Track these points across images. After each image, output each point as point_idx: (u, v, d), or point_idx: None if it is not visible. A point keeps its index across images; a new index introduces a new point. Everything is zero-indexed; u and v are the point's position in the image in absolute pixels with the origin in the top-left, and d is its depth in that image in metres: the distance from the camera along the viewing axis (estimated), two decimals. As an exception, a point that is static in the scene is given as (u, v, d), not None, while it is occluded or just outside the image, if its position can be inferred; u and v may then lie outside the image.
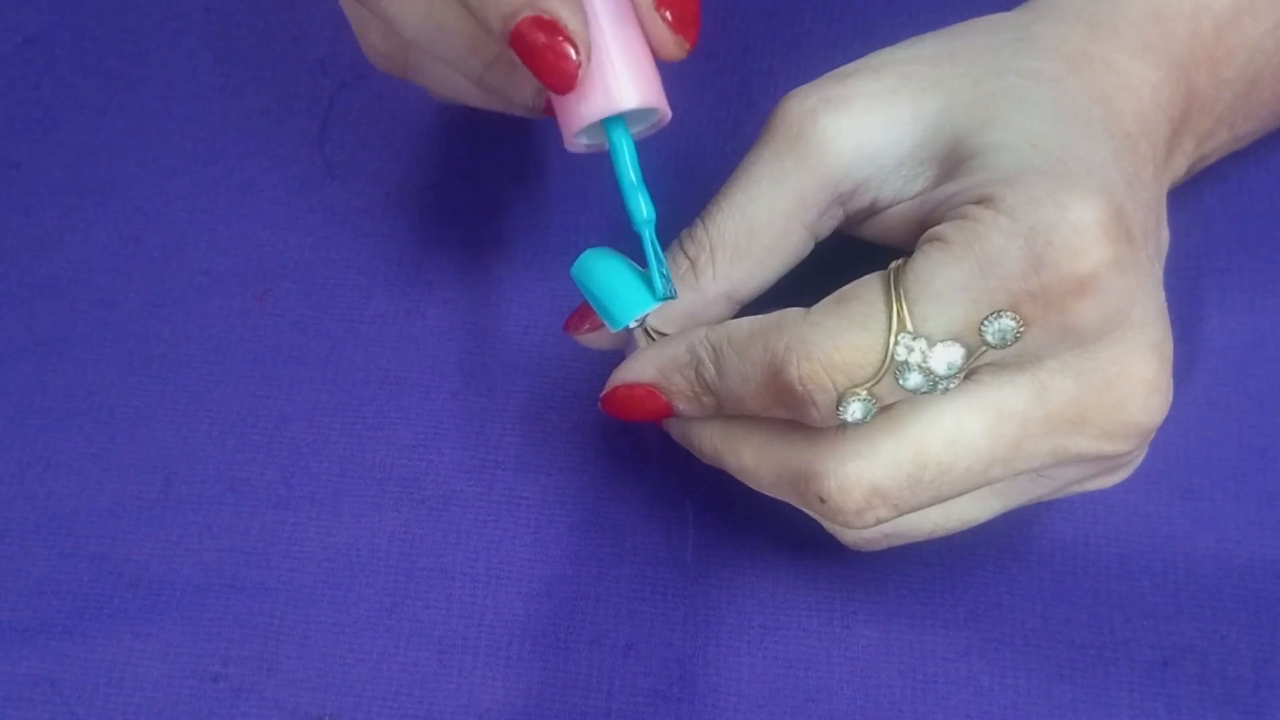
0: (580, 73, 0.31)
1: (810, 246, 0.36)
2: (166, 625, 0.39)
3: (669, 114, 0.35)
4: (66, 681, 0.38)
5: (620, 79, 0.33)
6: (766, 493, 0.34)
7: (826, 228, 0.36)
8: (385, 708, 0.38)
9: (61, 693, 0.38)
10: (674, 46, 0.33)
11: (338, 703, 0.38)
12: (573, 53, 0.31)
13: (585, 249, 0.35)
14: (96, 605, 0.39)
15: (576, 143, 0.35)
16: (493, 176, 0.46)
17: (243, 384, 0.43)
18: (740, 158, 0.36)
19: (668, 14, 0.32)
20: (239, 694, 0.38)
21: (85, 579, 0.40)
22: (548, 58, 0.31)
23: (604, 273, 0.35)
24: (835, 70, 0.35)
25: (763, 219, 0.35)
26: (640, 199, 0.34)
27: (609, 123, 0.34)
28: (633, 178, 0.34)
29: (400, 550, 0.40)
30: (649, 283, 0.34)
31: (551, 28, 0.31)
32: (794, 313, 0.31)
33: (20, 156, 0.47)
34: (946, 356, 0.29)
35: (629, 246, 0.35)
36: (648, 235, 0.34)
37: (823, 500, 0.32)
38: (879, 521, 0.32)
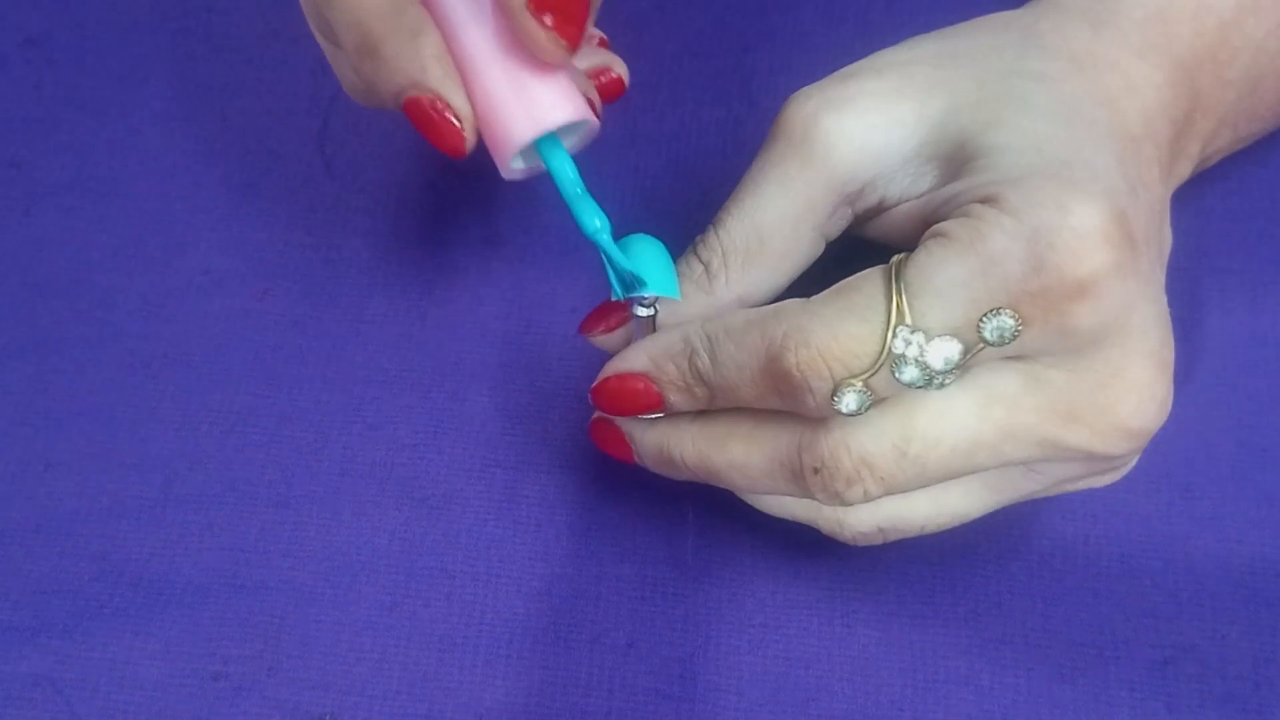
0: (467, 145, 0.34)
1: (821, 248, 0.36)
2: (167, 624, 0.39)
3: (597, 123, 0.35)
4: (67, 680, 0.38)
5: (540, 100, 0.33)
6: (758, 486, 0.34)
7: (837, 228, 0.36)
8: (386, 706, 0.38)
9: (62, 692, 0.38)
10: (550, 45, 0.32)
11: (338, 701, 0.38)
12: (456, 122, 0.33)
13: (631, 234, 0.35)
14: (97, 604, 0.39)
15: (513, 170, 0.35)
16: (492, 176, 0.46)
17: (243, 383, 0.43)
18: (741, 157, 0.36)
19: (547, 17, 0.32)
20: (239, 693, 0.38)
21: (86, 578, 0.40)
22: (439, 129, 0.33)
23: (634, 250, 0.34)
24: (838, 71, 0.35)
25: (772, 225, 0.35)
26: (588, 210, 0.34)
27: (541, 143, 0.34)
28: (577, 190, 0.34)
29: (401, 549, 0.40)
30: (673, 275, 0.34)
31: (433, 104, 0.33)
32: (793, 302, 0.32)
33: (20, 156, 0.47)
34: (944, 351, 0.30)
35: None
36: (602, 243, 0.34)
37: (817, 471, 0.32)
38: (867, 495, 0.32)
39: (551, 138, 0.34)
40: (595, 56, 0.37)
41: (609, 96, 0.37)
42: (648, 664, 0.38)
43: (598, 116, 0.35)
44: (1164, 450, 0.39)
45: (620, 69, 0.36)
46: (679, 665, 0.38)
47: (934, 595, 0.39)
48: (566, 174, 0.34)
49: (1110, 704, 0.37)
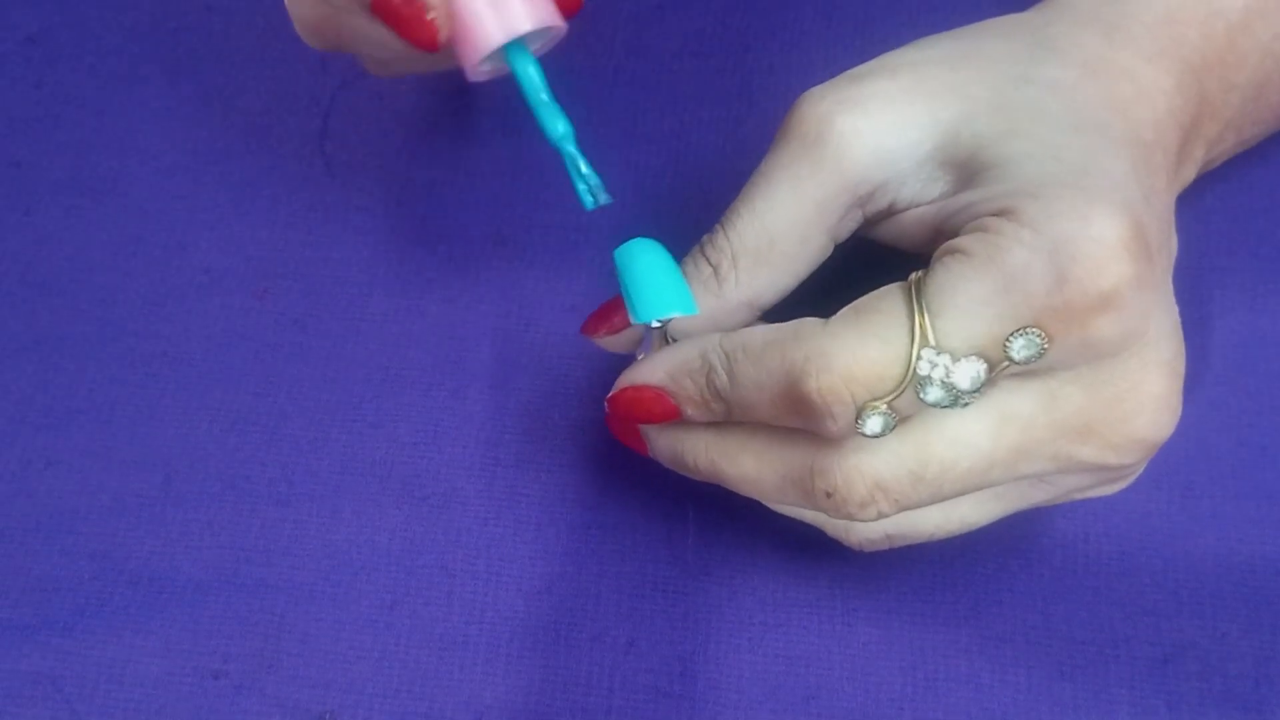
0: (441, 35, 0.32)
1: (830, 250, 0.35)
2: (167, 622, 0.39)
3: (564, 26, 0.34)
4: (67, 679, 0.38)
5: (511, 4, 0.33)
6: (768, 499, 0.34)
7: (846, 230, 0.36)
8: (386, 705, 0.38)
9: (62, 690, 0.38)
10: None
11: (338, 700, 0.38)
12: (430, 15, 0.32)
13: (636, 236, 0.35)
14: (97, 602, 0.39)
15: (480, 71, 0.34)
16: (493, 175, 0.46)
17: (243, 382, 0.43)
18: (741, 157, 0.36)
19: None
20: (240, 691, 0.38)
21: (86, 576, 0.40)
22: (411, 23, 0.32)
23: (645, 264, 0.34)
24: (848, 72, 0.35)
25: (783, 226, 0.34)
26: (552, 116, 0.34)
27: (509, 48, 0.33)
28: (541, 96, 0.34)
29: (401, 547, 0.40)
30: (685, 288, 0.34)
31: None
32: (811, 323, 0.31)
33: (20, 156, 0.47)
34: (970, 371, 0.29)
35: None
36: (567, 150, 0.34)
37: (829, 495, 0.31)
38: (880, 516, 0.32)
39: (517, 42, 0.33)
40: None
41: (567, 12, 0.35)
42: (648, 662, 0.38)
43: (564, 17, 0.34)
44: (1164, 449, 0.39)
45: None
46: (679, 663, 0.38)
47: (934, 594, 0.39)
48: (532, 79, 0.34)
49: (1110, 702, 0.37)
